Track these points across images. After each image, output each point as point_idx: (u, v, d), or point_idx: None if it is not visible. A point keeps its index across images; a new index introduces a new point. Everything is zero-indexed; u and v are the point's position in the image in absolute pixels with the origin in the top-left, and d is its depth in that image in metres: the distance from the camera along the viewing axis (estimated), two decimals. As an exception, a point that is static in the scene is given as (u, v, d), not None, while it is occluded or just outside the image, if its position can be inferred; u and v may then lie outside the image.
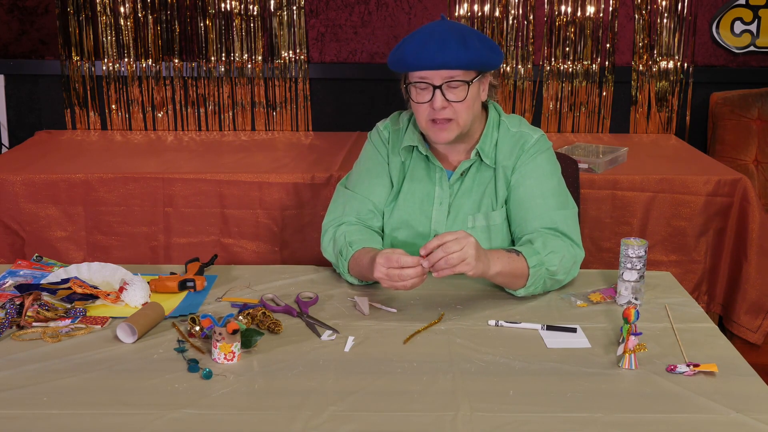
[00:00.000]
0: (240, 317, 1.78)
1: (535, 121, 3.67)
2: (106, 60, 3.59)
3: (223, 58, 3.61)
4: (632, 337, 1.63)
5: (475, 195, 2.09)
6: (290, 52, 3.62)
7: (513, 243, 2.09)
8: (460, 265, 1.77)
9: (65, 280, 1.93)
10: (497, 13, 3.57)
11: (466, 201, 2.09)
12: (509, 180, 2.07)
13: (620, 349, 1.65)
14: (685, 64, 3.66)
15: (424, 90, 1.98)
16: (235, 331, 1.63)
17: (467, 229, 2.05)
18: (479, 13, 3.58)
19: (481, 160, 2.08)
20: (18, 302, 1.80)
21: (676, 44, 3.63)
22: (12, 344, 1.71)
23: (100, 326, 1.78)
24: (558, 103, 3.67)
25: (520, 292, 1.94)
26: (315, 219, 2.94)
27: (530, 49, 3.61)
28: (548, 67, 3.64)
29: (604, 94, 3.67)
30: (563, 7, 3.59)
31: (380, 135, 2.18)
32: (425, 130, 2.04)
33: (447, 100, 1.97)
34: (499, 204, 2.08)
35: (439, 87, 1.96)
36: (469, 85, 1.98)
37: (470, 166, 2.09)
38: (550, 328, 1.80)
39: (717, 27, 3.64)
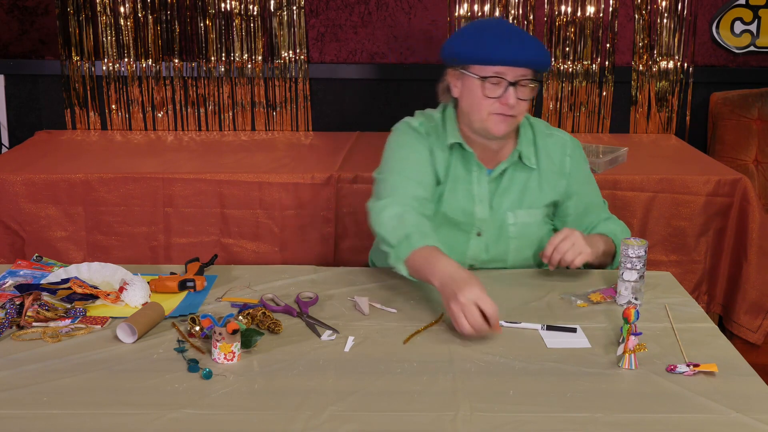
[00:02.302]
0: (240, 317, 1.78)
1: (535, 121, 3.67)
2: (106, 60, 3.59)
3: (223, 58, 3.61)
4: (632, 337, 1.63)
5: (514, 193, 2.14)
6: (290, 52, 3.62)
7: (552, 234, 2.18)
8: (578, 258, 1.98)
9: (65, 280, 1.93)
10: (497, 13, 3.57)
11: (505, 199, 2.14)
12: (561, 187, 2.16)
13: (620, 349, 1.65)
14: (685, 64, 3.66)
15: (496, 85, 2.01)
16: (235, 331, 1.63)
17: (508, 225, 2.13)
18: (479, 13, 3.57)
19: (520, 160, 2.13)
20: (18, 302, 1.80)
21: (676, 44, 3.63)
22: (12, 344, 1.71)
23: (100, 326, 1.78)
24: (558, 103, 3.67)
25: (611, 266, 2.17)
26: (315, 219, 2.94)
27: (530, 49, 3.61)
28: (548, 67, 3.64)
29: (604, 94, 3.67)
30: (563, 7, 3.59)
31: (417, 130, 2.14)
32: (483, 122, 2.05)
33: (516, 97, 2.02)
34: (542, 204, 2.15)
35: (514, 84, 2.00)
36: (538, 84, 2.05)
37: (509, 165, 2.14)
38: (550, 328, 1.80)
39: (717, 27, 3.64)
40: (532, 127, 2.17)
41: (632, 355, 1.63)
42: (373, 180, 2.18)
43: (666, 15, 3.60)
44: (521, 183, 2.14)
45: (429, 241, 1.91)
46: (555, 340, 1.75)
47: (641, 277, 1.90)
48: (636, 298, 1.92)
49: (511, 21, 3.57)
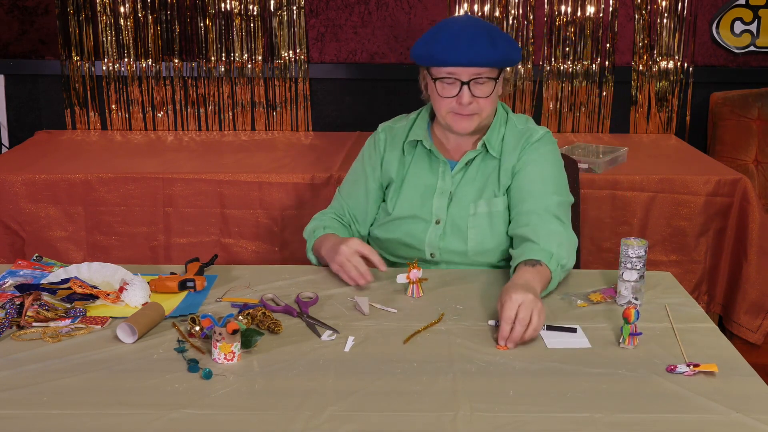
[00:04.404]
0: (240, 317, 1.78)
1: (535, 121, 3.67)
2: (106, 60, 3.59)
3: (223, 58, 3.61)
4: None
5: (478, 183, 2.15)
6: (290, 52, 3.62)
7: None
8: (534, 332, 1.70)
9: (65, 280, 1.93)
10: (497, 13, 3.57)
11: (469, 189, 2.15)
12: (513, 169, 2.13)
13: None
14: (685, 64, 3.66)
15: (451, 85, 2.06)
16: (235, 331, 1.63)
17: (469, 216, 2.12)
18: (479, 13, 3.57)
19: (487, 151, 2.15)
20: (18, 302, 1.80)
21: (676, 44, 3.63)
22: (12, 344, 1.71)
23: (100, 326, 1.78)
24: (558, 103, 3.67)
25: (543, 294, 1.90)
26: (315, 219, 2.94)
27: (530, 49, 3.61)
28: (548, 67, 3.64)
29: (604, 94, 3.67)
30: (563, 7, 3.59)
31: (375, 138, 2.26)
32: (446, 120, 2.11)
33: (473, 95, 2.05)
34: (501, 191, 2.13)
35: (467, 83, 2.04)
36: (495, 82, 2.06)
37: (475, 156, 2.15)
38: (550, 328, 1.79)
39: (717, 27, 3.64)
40: (507, 122, 2.19)
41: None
42: None
43: (666, 15, 3.60)
44: (486, 173, 2.15)
45: (329, 231, 2.16)
46: (555, 340, 1.75)
47: (641, 277, 1.90)
48: (636, 298, 1.92)
49: (510, 21, 3.58)
